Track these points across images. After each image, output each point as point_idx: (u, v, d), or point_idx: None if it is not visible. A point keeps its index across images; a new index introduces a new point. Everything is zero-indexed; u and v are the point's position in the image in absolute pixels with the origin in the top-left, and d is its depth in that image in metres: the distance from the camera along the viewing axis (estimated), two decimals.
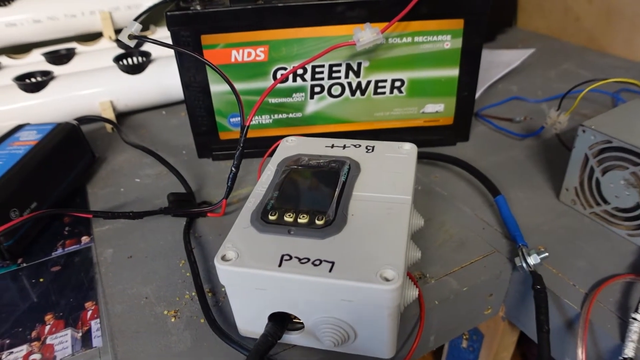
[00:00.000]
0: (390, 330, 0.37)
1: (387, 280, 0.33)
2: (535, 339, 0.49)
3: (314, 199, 0.41)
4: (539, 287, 0.44)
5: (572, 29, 1.08)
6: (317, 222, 0.38)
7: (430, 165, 0.64)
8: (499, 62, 0.87)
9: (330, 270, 0.34)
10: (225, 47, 0.59)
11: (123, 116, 0.80)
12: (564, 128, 0.62)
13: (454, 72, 0.62)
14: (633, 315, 0.40)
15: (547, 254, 0.46)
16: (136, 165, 0.66)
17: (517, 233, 0.49)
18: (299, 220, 0.38)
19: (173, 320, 0.44)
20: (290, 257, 0.35)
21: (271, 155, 0.48)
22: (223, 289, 0.46)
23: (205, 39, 0.58)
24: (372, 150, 0.47)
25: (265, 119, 0.64)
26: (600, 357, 0.42)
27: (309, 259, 0.35)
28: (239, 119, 0.63)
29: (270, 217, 0.39)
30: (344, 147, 0.48)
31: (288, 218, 0.39)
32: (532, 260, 0.46)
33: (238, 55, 0.59)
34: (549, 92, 0.82)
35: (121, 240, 0.53)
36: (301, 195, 0.42)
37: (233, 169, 0.51)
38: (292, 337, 0.39)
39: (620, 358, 0.39)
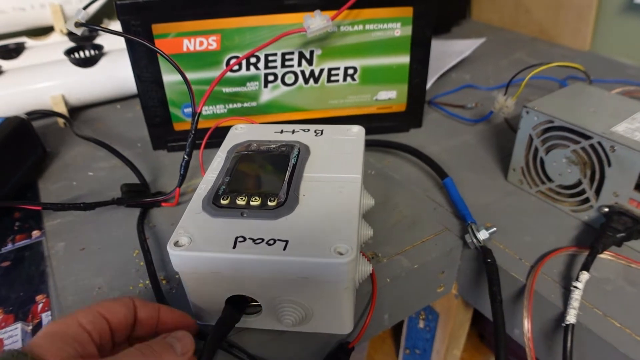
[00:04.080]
0: (346, 305, 0.37)
1: (340, 254, 0.34)
2: (487, 315, 0.51)
3: (265, 182, 0.42)
4: (489, 260, 0.46)
5: (523, 21, 1.11)
6: (270, 203, 0.39)
7: (383, 151, 0.65)
8: (451, 51, 0.89)
9: (284, 249, 0.35)
10: (177, 37, 0.58)
11: (77, 110, 0.79)
12: (512, 112, 0.64)
13: (405, 59, 0.64)
14: (574, 284, 0.42)
15: (495, 229, 0.48)
16: (89, 159, 0.65)
17: (466, 212, 0.51)
18: (252, 203, 0.39)
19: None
20: (245, 239, 0.35)
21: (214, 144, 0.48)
22: (177, 277, 0.46)
23: (156, 28, 0.58)
24: (321, 134, 0.48)
25: (220, 108, 0.64)
26: (546, 325, 0.44)
27: (263, 239, 0.35)
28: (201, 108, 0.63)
29: (222, 202, 0.39)
30: (293, 132, 0.49)
31: (240, 201, 0.39)
32: (482, 235, 0.47)
33: (190, 45, 0.59)
34: (500, 80, 0.84)
35: (73, 233, 0.52)
36: (252, 179, 0.42)
37: (185, 157, 0.51)
38: (250, 321, 0.39)
39: (563, 324, 0.40)
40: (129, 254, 0.49)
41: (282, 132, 0.49)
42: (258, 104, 0.64)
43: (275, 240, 0.35)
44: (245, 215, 0.38)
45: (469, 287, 0.52)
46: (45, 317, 0.44)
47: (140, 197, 0.55)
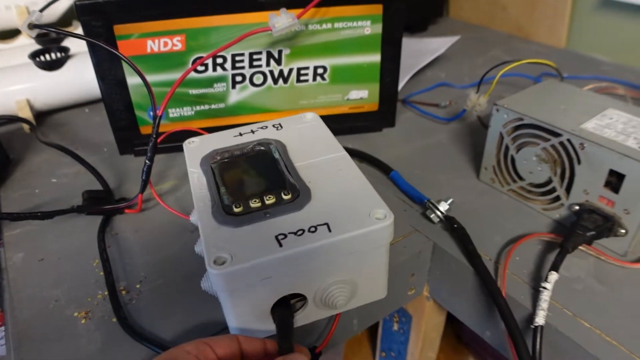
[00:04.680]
0: (386, 267, 0.39)
1: (379, 219, 0.35)
2: (460, 317, 0.50)
3: (265, 180, 0.40)
4: (456, 225, 0.48)
5: (499, 18, 1.11)
6: (285, 197, 0.37)
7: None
8: (426, 49, 0.88)
9: (330, 231, 0.34)
10: (140, 37, 0.57)
11: (44, 115, 0.77)
12: (485, 110, 0.64)
13: (375, 57, 0.62)
14: (543, 285, 0.41)
15: (452, 199, 0.50)
16: (53, 165, 0.64)
17: (419, 194, 0.53)
18: (267, 202, 0.37)
19: (83, 321, 0.42)
20: (285, 235, 0.34)
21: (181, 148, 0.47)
22: (138, 286, 0.45)
23: (119, 29, 0.56)
24: (281, 127, 0.48)
25: (187, 110, 0.62)
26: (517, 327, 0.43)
27: (303, 230, 0.35)
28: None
29: (236, 210, 0.37)
30: (252, 132, 0.48)
31: (255, 204, 0.37)
32: (443, 207, 0.49)
33: (154, 46, 0.57)
34: (475, 77, 0.83)
35: (32, 243, 0.51)
36: (250, 182, 0.41)
37: (147, 161, 0.49)
38: (297, 318, 0.38)
39: (532, 326, 0.39)
40: (89, 264, 0.48)
41: (241, 134, 0.47)
42: (226, 106, 0.62)
43: (315, 227, 0.35)
44: (269, 215, 0.36)
45: (441, 289, 0.51)
46: None
47: (102, 204, 0.53)
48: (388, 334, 0.70)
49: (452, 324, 0.68)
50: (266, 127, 0.48)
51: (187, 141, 0.47)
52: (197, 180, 0.42)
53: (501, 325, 0.42)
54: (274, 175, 0.40)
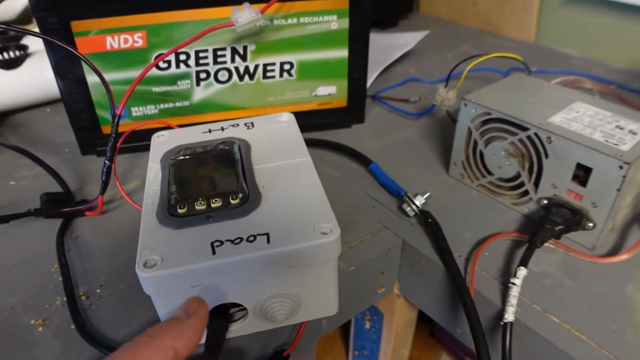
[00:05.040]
0: (334, 284, 0.37)
1: (325, 234, 0.33)
2: (430, 314, 0.49)
3: (218, 182, 0.39)
4: (430, 220, 0.47)
5: (470, 13, 1.11)
6: (233, 202, 0.36)
7: (324, 148, 0.62)
8: (395, 44, 0.88)
9: (268, 242, 0.33)
10: (99, 34, 0.55)
11: (3, 116, 0.74)
12: (454, 105, 0.63)
13: (343, 53, 0.62)
14: (512, 280, 0.40)
15: (428, 193, 0.49)
16: (11, 168, 0.61)
17: (397, 187, 0.52)
18: (213, 205, 0.36)
19: (41, 329, 0.40)
20: (222, 242, 0.33)
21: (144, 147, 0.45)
22: (98, 291, 0.43)
23: (76, 26, 0.54)
24: (253, 126, 0.46)
25: (151, 109, 0.60)
26: (487, 323, 0.43)
27: (242, 238, 0.33)
28: (123, 110, 0.59)
29: (180, 211, 0.36)
30: (222, 129, 0.46)
31: (200, 206, 0.36)
32: (418, 201, 0.49)
33: (114, 42, 0.56)
34: (445, 72, 0.82)
35: None
36: (203, 182, 0.39)
37: (106, 162, 0.48)
38: (235, 329, 0.37)
39: (502, 323, 0.39)
40: (47, 269, 0.46)
41: (210, 131, 0.46)
42: (191, 104, 0.61)
43: (255, 236, 0.33)
44: (211, 219, 0.35)
45: (411, 287, 0.50)
46: None
47: (62, 206, 0.51)
48: (360, 333, 0.70)
49: (425, 320, 0.68)
50: (237, 125, 0.47)
51: (155, 134, 0.47)
52: (153, 177, 0.41)
53: None
54: (228, 177, 0.39)
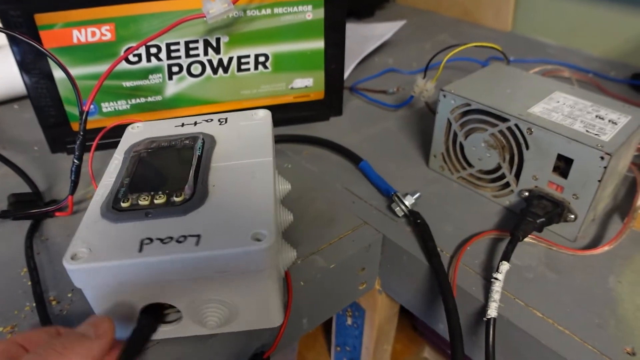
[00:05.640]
0: (273, 296, 0.35)
1: (258, 240, 0.31)
2: (412, 309, 0.49)
3: (169, 178, 0.38)
4: (419, 220, 0.46)
5: (447, 3, 1.10)
6: (176, 199, 0.35)
7: (308, 144, 0.61)
8: (372, 35, 0.86)
9: (197, 244, 0.31)
10: (65, 27, 0.53)
11: None
12: (432, 96, 0.62)
13: (319, 44, 0.60)
14: (494, 275, 0.40)
15: (419, 193, 0.48)
16: None
17: (387, 186, 0.51)
18: (156, 202, 0.35)
19: (9, 337, 0.38)
20: (152, 240, 0.32)
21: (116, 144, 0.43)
22: (70, 295, 0.41)
23: (40, 19, 0.52)
24: (226, 122, 0.45)
25: (122, 104, 0.58)
26: (470, 319, 0.42)
27: (172, 238, 0.32)
28: (92, 106, 0.57)
29: (123, 205, 0.35)
30: (195, 123, 0.45)
31: (143, 202, 0.35)
32: (408, 201, 0.48)
33: (81, 36, 0.53)
34: (423, 63, 0.81)
35: None
36: (155, 177, 0.38)
37: (75, 161, 0.46)
38: (169, 330, 0.36)
39: (484, 319, 0.38)
40: (16, 274, 0.44)
41: (183, 125, 0.45)
42: (163, 98, 0.59)
43: (186, 237, 0.32)
44: (150, 215, 0.34)
45: (392, 283, 0.49)
46: None
47: (30, 207, 0.49)
48: (342, 329, 0.69)
49: (408, 314, 0.67)
50: (211, 120, 0.45)
51: (130, 126, 0.46)
52: (113, 168, 0.40)
53: None
54: (180, 173, 0.38)
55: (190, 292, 0.33)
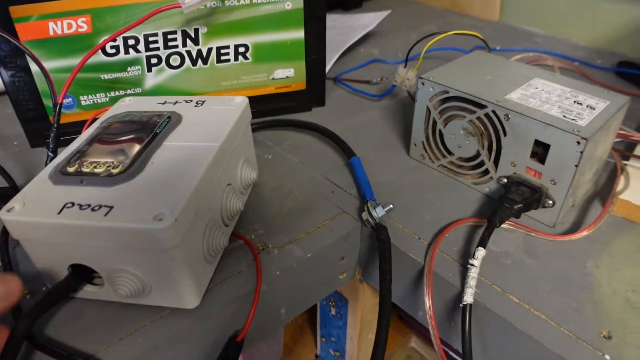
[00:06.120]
0: (182, 277, 0.35)
1: (160, 220, 0.32)
2: (392, 298, 0.48)
3: (118, 150, 0.40)
4: (382, 237, 0.43)
5: None
6: (113, 171, 0.37)
7: (283, 133, 0.61)
8: (357, 25, 0.86)
9: (105, 215, 0.33)
10: (41, 19, 0.52)
11: None
12: (414, 85, 0.62)
13: (299, 34, 0.60)
14: (470, 262, 0.40)
15: (391, 205, 0.45)
16: None
17: (368, 190, 0.48)
18: (95, 170, 0.37)
19: None
20: (73, 205, 0.34)
21: None
22: (44, 289, 0.41)
23: (15, 11, 0.51)
24: (202, 104, 0.46)
25: (101, 97, 0.58)
26: (447, 306, 0.42)
27: (89, 206, 0.34)
28: (70, 99, 0.57)
29: (69, 169, 0.38)
30: (175, 102, 0.47)
31: (86, 169, 0.38)
32: (377, 212, 0.44)
33: (57, 28, 0.53)
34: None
35: None
36: (109, 148, 0.40)
37: (49, 154, 0.45)
38: (92, 291, 0.38)
39: (461, 305, 0.38)
40: None
41: (164, 103, 0.47)
42: (143, 90, 0.58)
43: (101, 206, 0.34)
44: (84, 182, 0.36)
45: (372, 271, 0.49)
46: None
47: (7, 202, 0.49)
48: (326, 319, 0.69)
49: (393, 303, 0.67)
50: (190, 101, 0.47)
51: (121, 99, 0.49)
52: (83, 136, 0.42)
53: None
54: (130, 148, 0.39)
55: (104, 260, 0.35)
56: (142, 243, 0.33)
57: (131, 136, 0.41)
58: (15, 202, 0.35)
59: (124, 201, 0.34)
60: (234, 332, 0.40)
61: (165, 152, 0.39)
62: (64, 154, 0.40)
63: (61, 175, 0.37)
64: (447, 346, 0.43)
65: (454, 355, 0.80)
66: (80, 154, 0.39)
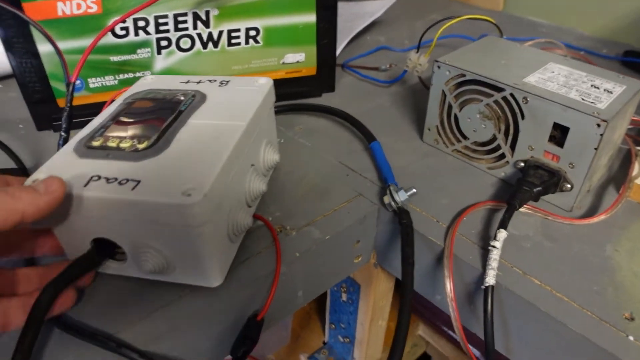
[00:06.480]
0: (207, 254, 0.35)
1: (188, 196, 0.32)
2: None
3: (145, 127, 0.39)
4: (404, 221, 0.43)
5: None
6: (139, 146, 0.37)
7: (293, 117, 0.60)
8: (363, 12, 0.85)
9: (133, 189, 0.33)
10: None
11: None
12: (426, 70, 0.62)
13: (311, 18, 0.59)
14: (492, 243, 0.39)
15: (414, 190, 0.44)
16: None
17: (389, 174, 0.48)
18: (121, 145, 0.37)
19: None
20: (99, 178, 0.34)
21: None
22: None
23: None
24: (226, 84, 0.46)
25: (110, 80, 0.57)
26: (467, 289, 0.42)
27: (116, 179, 0.34)
28: (79, 82, 0.56)
29: (94, 143, 0.38)
30: (199, 82, 0.47)
31: (111, 143, 0.37)
32: (400, 197, 0.44)
33: (66, 8, 0.52)
34: (415, 41, 0.81)
35: None
36: (134, 124, 0.40)
37: (62, 133, 0.45)
38: (115, 267, 0.38)
39: (483, 287, 0.38)
40: None
41: (188, 82, 0.47)
42: (153, 73, 0.58)
43: (128, 180, 0.34)
44: (110, 156, 0.36)
45: (388, 255, 0.49)
46: None
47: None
48: (337, 306, 0.69)
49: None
50: (214, 80, 0.47)
51: (144, 77, 0.49)
52: (105, 113, 0.42)
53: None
54: (155, 124, 0.39)
55: (129, 234, 0.35)
56: (170, 218, 0.32)
57: (156, 113, 0.41)
58: (39, 174, 0.34)
59: (151, 176, 0.34)
60: (252, 312, 0.40)
61: (191, 130, 0.39)
62: (86, 129, 0.40)
63: (86, 149, 0.37)
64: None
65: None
66: (104, 129, 0.39)
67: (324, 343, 0.78)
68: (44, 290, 0.32)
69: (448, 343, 0.84)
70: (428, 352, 0.90)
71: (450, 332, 0.82)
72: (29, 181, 0.34)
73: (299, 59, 0.62)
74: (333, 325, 0.73)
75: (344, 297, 0.65)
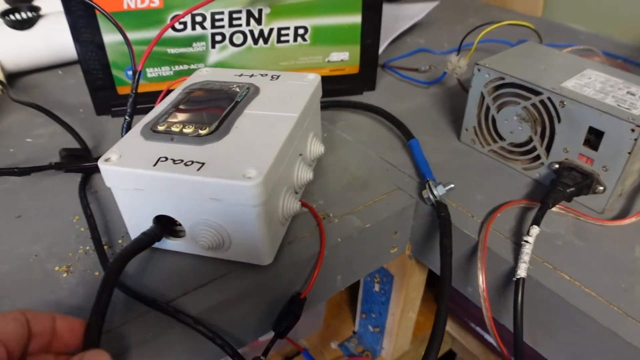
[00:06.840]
0: (261, 234, 0.38)
1: (249, 178, 0.35)
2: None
3: (205, 115, 0.43)
4: (443, 214, 0.45)
5: None
6: (201, 132, 0.40)
7: (336, 113, 0.63)
8: (404, 15, 0.88)
9: (198, 170, 0.36)
10: None
11: (15, 77, 0.74)
12: (465, 73, 0.64)
13: (356, 19, 0.62)
14: (525, 238, 0.42)
15: (452, 185, 0.47)
16: (27, 125, 0.62)
17: (427, 170, 0.51)
18: (185, 130, 0.40)
19: (65, 275, 0.41)
20: (167, 159, 0.37)
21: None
22: (120, 242, 0.44)
23: None
24: (277, 79, 0.49)
25: (166, 70, 0.61)
26: (498, 281, 0.44)
27: (182, 161, 0.37)
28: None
29: (159, 128, 0.41)
30: (251, 75, 0.50)
31: (175, 129, 0.40)
32: (439, 191, 0.47)
33: (131, 2, 0.56)
34: (454, 44, 0.83)
35: (8, 200, 0.49)
36: (195, 112, 0.43)
37: (127, 117, 0.48)
38: (174, 243, 0.41)
39: (514, 279, 0.40)
40: (68, 220, 0.47)
41: (241, 75, 0.50)
42: (206, 66, 0.61)
43: (193, 162, 0.37)
44: (174, 140, 0.39)
45: (423, 247, 0.51)
46: None
47: (81, 161, 0.52)
48: (369, 296, 0.71)
49: (430, 286, 0.69)
50: (266, 75, 0.50)
51: (200, 69, 0.52)
52: (169, 99, 0.46)
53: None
54: (215, 112, 0.42)
55: (191, 212, 0.38)
56: (232, 197, 0.35)
57: (214, 102, 0.44)
58: (111, 154, 0.38)
59: (214, 159, 0.37)
60: (295, 292, 0.43)
61: (247, 119, 0.42)
62: (151, 114, 0.43)
63: (153, 133, 0.40)
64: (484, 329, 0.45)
65: (490, 340, 0.82)
66: (167, 115, 0.42)
67: (354, 332, 0.81)
68: (116, 260, 0.35)
69: (474, 339, 0.86)
70: (453, 349, 0.92)
71: (478, 329, 0.84)
72: (102, 159, 0.37)
73: (343, 58, 0.64)
74: (364, 315, 0.75)
75: (377, 287, 0.67)
